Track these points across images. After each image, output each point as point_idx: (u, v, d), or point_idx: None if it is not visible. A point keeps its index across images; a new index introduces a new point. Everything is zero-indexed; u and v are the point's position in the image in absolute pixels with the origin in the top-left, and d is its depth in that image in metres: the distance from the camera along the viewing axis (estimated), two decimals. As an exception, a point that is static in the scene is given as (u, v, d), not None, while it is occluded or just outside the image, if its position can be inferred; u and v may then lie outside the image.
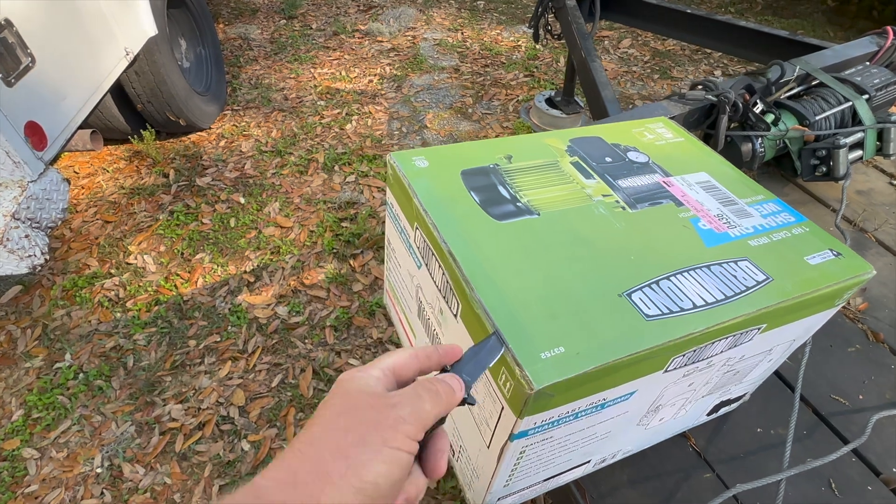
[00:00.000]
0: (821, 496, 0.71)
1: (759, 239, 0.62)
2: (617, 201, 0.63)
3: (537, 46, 3.03)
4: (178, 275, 1.79)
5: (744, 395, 0.77)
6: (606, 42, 3.16)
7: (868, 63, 1.20)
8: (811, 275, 0.58)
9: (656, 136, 0.75)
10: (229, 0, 3.73)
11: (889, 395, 0.81)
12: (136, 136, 2.22)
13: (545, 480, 0.63)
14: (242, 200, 2.08)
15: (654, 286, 0.52)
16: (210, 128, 2.48)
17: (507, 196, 0.60)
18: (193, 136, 2.43)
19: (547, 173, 0.65)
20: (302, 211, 2.04)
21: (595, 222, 0.59)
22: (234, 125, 2.50)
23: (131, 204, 2.07)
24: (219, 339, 1.60)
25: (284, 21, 3.44)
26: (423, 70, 2.90)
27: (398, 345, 1.57)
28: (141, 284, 1.76)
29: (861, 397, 0.81)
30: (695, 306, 0.51)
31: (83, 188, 2.16)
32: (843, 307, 0.92)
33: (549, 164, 0.67)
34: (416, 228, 0.59)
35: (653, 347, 0.47)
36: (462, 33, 3.24)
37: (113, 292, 1.74)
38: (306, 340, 1.60)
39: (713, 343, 0.53)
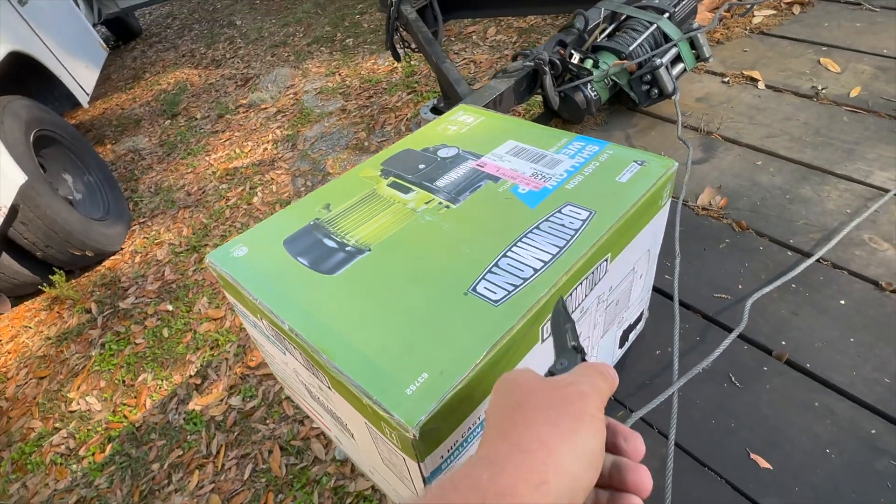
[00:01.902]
0: (724, 392, 0.73)
1: (574, 180, 0.64)
2: (440, 203, 0.63)
3: (412, 63, 3.11)
4: (124, 404, 1.75)
5: (641, 313, 0.79)
6: (474, 36, 3.26)
7: (664, -16, 1.27)
8: (627, 192, 0.60)
9: (459, 124, 0.78)
10: (111, 119, 3.71)
11: (764, 275, 0.85)
12: (47, 284, 2.17)
13: None
14: (170, 307, 2.05)
15: (494, 269, 0.52)
16: (122, 248, 2.45)
17: (335, 245, 0.59)
18: (107, 263, 2.39)
19: (367, 206, 0.65)
20: (231, 296, 2.02)
21: (424, 232, 0.59)
22: (144, 238, 2.47)
23: (61, 351, 2.01)
24: (181, 453, 1.56)
25: (169, 121, 3.44)
26: (312, 121, 2.93)
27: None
28: (90, 428, 1.70)
29: (740, 286, 0.84)
30: (535, 271, 0.51)
31: (9, 353, 2.09)
32: (705, 209, 0.96)
33: (367, 196, 0.66)
34: (261, 319, 0.57)
35: (510, 330, 0.46)
36: (339, 74, 3.29)
37: (63, 446, 1.68)
38: (267, 421, 1.57)
39: (570, 295, 0.54)
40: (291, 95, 3.24)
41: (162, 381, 1.78)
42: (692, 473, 0.67)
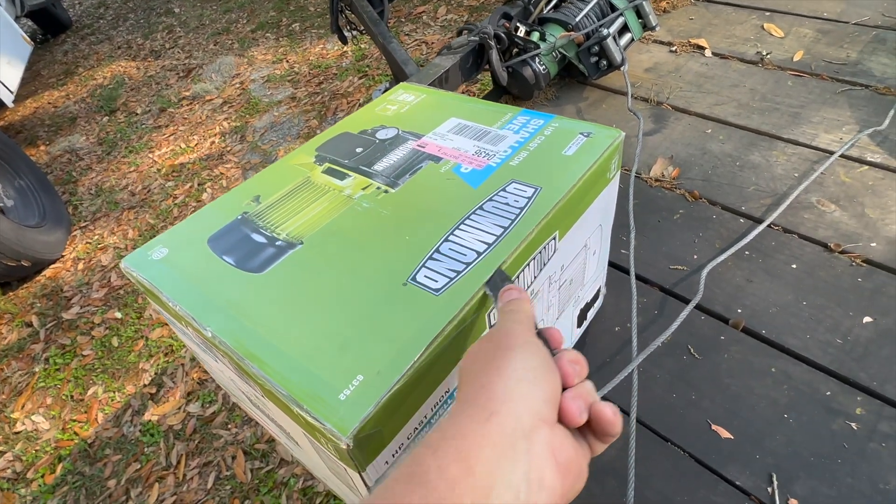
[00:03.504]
0: (684, 364, 0.73)
1: (519, 156, 0.60)
2: (378, 188, 0.58)
3: (361, 46, 3.01)
4: (74, 420, 1.65)
5: (598, 290, 0.77)
6: (425, 16, 3.18)
7: (607, -48, 1.24)
8: (573, 166, 0.57)
9: (399, 104, 0.73)
10: (43, 119, 3.47)
11: (718, 243, 0.85)
12: (-20, 299, 2.02)
13: None
14: (119, 315, 1.94)
15: (435, 256, 0.48)
16: (62, 256, 2.30)
17: (264, 241, 0.54)
18: (47, 272, 2.24)
19: (299, 195, 0.60)
20: (183, 299, 1.93)
21: (361, 220, 0.54)
22: (86, 243, 2.33)
23: (1, 370, 1.88)
24: (139, 466, 1.48)
25: (107, 117, 3.24)
26: (261, 111, 2.81)
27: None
28: (38, 448, 1.60)
29: (696, 257, 0.84)
30: (479, 254, 0.48)
31: (-57, 376, 1.95)
32: (658, 180, 0.95)
33: (299, 184, 0.61)
34: (186, 326, 0.52)
35: (452, 320, 0.43)
36: (287, 61, 3.16)
37: (9, 470, 1.57)
38: (229, 426, 1.51)
39: (517, 278, 0.51)
40: (237, 85, 3.09)
41: (114, 392, 1.69)
42: (655, 448, 0.66)
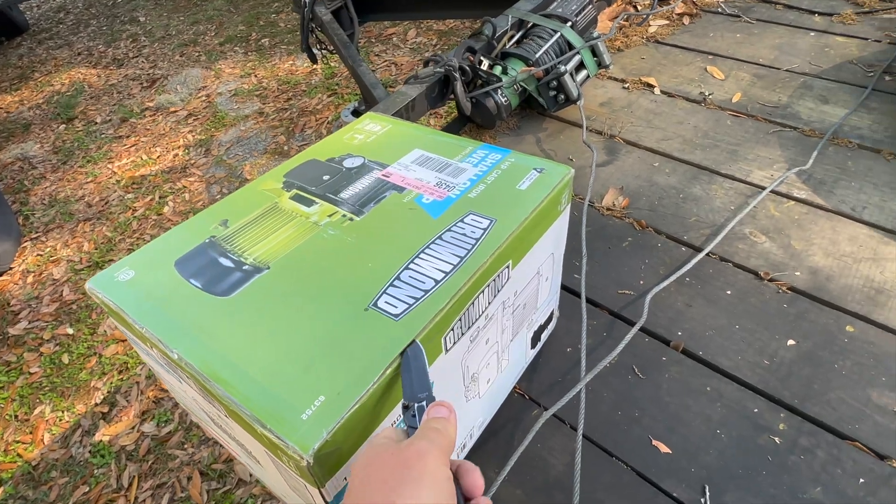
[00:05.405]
0: (628, 383, 0.78)
1: (477, 188, 0.65)
2: (343, 215, 0.61)
3: (332, 64, 3.04)
4: (18, 442, 1.58)
5: (551, 314, 0.82)
6: (395, 38, 3.25)
7: (567, -6, 1.33)
8: (525, 199, 0.62)
9: (366, 133, 0.77)
10: (-6, 124, 3.34)
11: (662, 270, 0.91)
12: (-83, 313, 1.92)
13: None
14: (70, 331, 1.87)
15: (396, 283, 0.52)
16: (10, 268, 2.21)
17: (231, 265, 0.56)
18: (-7, 285, 2.15)
19: (266, 221, 0.62)
20: (140, 315, 1.88)
21: (326, 247, 0.57)
22: (37, 255, 2.25)
23: (-62, 388, 1.78)
24: (87, 489, 1.43)
25: (64, 125, 3.14)
26: (227, 125, 2.79)
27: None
28: (-24, 471, 1.52)
29: (642, 282, 0.90)
30: (437, 282, 0.51)
31: None
32: (609, 209, 1.02)
33: (267, 210, 0.64)
34: (151, 348, 0.53)
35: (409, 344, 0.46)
36: (256, 76, 3.16)
37: (-56, 495, 1.49)
38: (185, 446, 1.48)
39: (472, 303, 0.55)
40: (203, 98, 3.07)
41: (62, 412, 1.63)
42: (600, 463, 0.70)
